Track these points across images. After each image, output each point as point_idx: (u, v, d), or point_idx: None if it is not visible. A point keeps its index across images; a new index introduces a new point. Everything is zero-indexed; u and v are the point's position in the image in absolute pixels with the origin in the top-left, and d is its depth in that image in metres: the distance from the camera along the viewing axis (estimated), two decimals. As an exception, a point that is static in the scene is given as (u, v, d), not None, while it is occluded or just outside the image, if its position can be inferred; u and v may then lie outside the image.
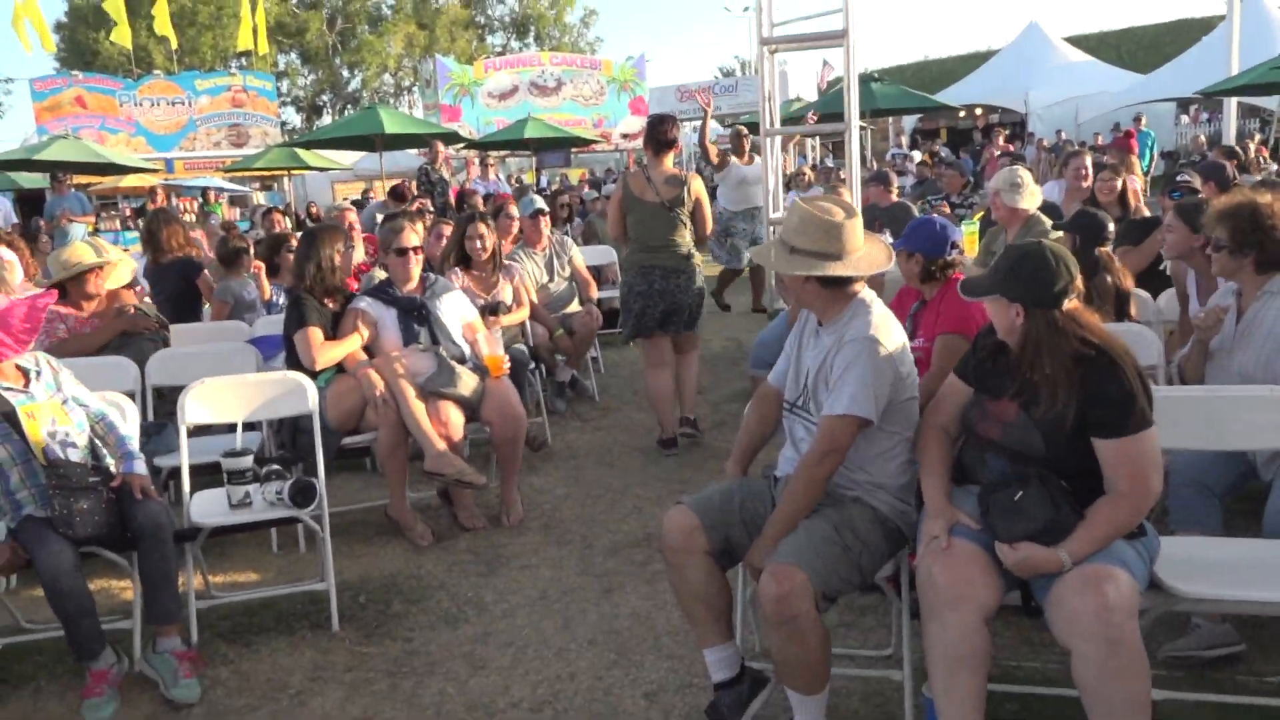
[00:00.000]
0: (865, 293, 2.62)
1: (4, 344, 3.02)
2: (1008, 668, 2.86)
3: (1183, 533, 2.88)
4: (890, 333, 2.55)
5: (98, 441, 3.27)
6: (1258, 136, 17.49)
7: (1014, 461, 2.37)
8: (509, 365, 4.49)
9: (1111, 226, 4.11)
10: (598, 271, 7.68)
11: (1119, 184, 5.82)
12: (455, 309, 4.56)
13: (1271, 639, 2.97)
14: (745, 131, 9.36)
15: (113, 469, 3.22)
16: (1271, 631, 3.00)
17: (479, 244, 5.52)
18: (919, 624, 2.66)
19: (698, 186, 5.26)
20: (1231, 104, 16.61)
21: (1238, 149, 10.17)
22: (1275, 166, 12.12)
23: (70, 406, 3.19)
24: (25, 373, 3.17)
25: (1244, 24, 16.39)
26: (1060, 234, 4.20)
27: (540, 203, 6.48)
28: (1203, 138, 18.66)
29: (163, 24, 25.09)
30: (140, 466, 3.25)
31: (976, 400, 2.51)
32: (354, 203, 13.07)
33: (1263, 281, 3.12)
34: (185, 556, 3.40)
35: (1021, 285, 2.34)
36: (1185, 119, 23.71)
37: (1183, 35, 30.97)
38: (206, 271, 6.02)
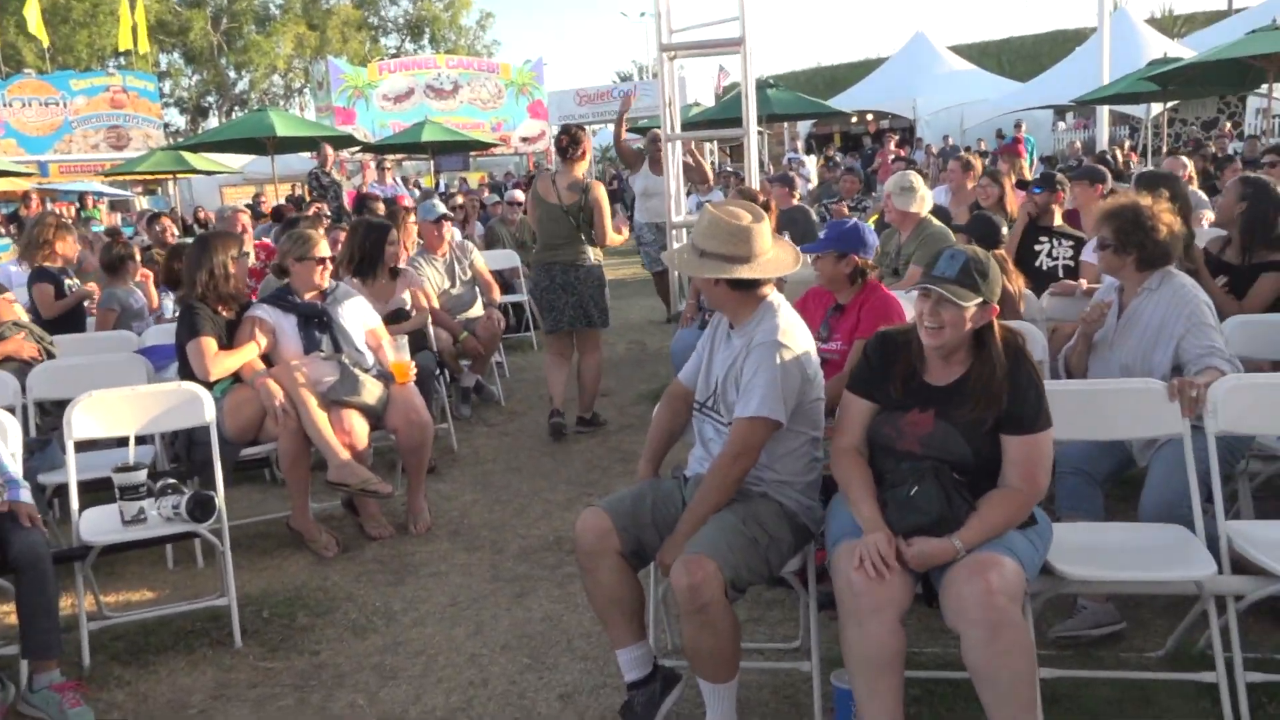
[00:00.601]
0: (773, 295, 2.69)
1: None
2: (910, 654, 2.95)
3: (1068, 518, 3.04)
4: (797, 336, 2.62)
5: None
6: (1127, 143, 18.46)
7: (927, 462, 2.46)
8: (415, 371, 4.44)
9: (1005, 230, 4.31)
10: (500, 276, 7.64)
11: (998, 190, 6.11)
12: (357, 316, 4.47)
13: (1150, 616, 3.16)
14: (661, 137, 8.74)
15: None
16: (1150, 609, 3.19)
17: (392, 249, 5.50)
18: (826, 616, 2.76)
19: (598, 194, 5.51)
20: (1104, 112, 17.53)
21: (1109, 157, 10.74)
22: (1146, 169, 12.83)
23: None
24: None
25: (1113, 36, 17.32)
26: (956, 236, 4.38)
27: (441, 208, 6.40)
28: (1078, 143, 19.61)
29: (36, 24, 23.89)
30: (25, 494, 3.08)
31: (887, 418, 2.55)
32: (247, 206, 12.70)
33: (1143, 279, 3.31)
34: (75, 576, 3.27)
35: (992, 290, 2.43)
36: (1062, 125, 24.88)
37: (1057, 46, 32.48)
38: (47, 285, 5.57)
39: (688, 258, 2.70)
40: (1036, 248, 4.96)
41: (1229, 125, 19.73)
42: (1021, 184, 5.84)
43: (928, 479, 2.38)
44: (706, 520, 2.53)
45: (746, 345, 2.61)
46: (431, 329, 5.71)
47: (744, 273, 2.59)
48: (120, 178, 22.01)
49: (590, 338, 5.65)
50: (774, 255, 2.66)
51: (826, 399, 2.73)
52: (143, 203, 24.39)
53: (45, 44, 27.41)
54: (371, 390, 4.18)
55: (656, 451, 2.97)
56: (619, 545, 2.61)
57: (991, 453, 2.44)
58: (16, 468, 3.15)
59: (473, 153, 24.24)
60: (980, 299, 2.40)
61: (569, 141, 5.54)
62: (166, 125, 32.99)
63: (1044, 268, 4.89)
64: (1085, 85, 16.97)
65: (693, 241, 2.70)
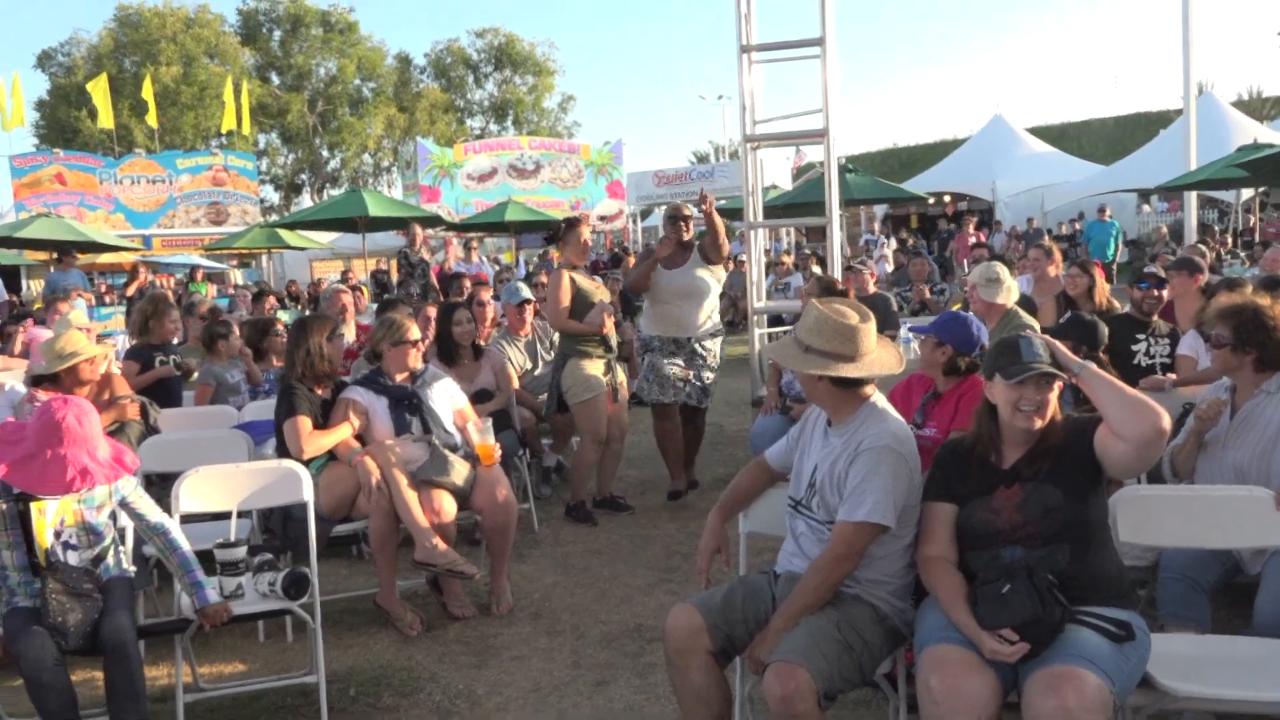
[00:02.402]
0: (876, 395, 2.72)
1: (40, 477, 3.03)
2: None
3: (1173, 626, 2.94)
4: (906, 439, 2.65)
5: (158, 553, 3.27)
6: (1217, 228, 18.08)
7: (1030, 542, 2.47)
8: (500, 453, 4.52)
9: (1106, 332, 4.26)
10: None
11: (1087, 280, 6.01)
12: (446, 397, 4.60)
13: (1260, 734, 3.01)
14: (688, 212, 5.79)
15: (102, 570, 3.18)
16: (1259, 726, 3.04)
17: (462, 330, 5.64)
18: (915, 718, 2.70)
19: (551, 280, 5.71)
20: (1192, 196, 17.22)
21: (1205, 249, 10.52)
22: (1241, 255, 12.55)
23: (95, 528, 3.16)
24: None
25: (1200, 120, 17.08)
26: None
27: (526, 292, 6.54)
28: (1164, 228, 19.26)
29: (150, 115, 25.54)
30: (214, 595, 3.24)
31: (980, 505, 2.58)
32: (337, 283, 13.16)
33: (1260, 380, 3.24)
34: (174, 647, 3.38)
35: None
36: (1146, 208, 24.50)
37: (1140, 129, 32.12)
38: (132, 363, 5.77)
39: (791, 352, 2.73)
40: (1134, 346, 4.89)
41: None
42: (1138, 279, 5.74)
43: (1020, 578, 2.36)
44: (800, 618, 2.53)
45: (852, 447, 2.62)
46: (515, 408, 5.81)
47: (849, 371, 2.63)
48: (218, 252, 23.05)
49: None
50: (878, 355, 2.69)
51: None
52: (238, 275, 25.46)
53: (155, 126, 29.11)
54: (460, 471, 4.27)
55: (729, 508, 3.05)
56: (709, 644, 2.61)
57: (1081, 497, 2.48)
58: (199, 569, 3.29)
59: (552, 230, 24.83)
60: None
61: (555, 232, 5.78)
62: (262, 201, 34.53)
63: (1141, 365, 4.80)
64: (1170, 169, 16.74)
65: (796, 335, 2.74)
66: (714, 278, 5.75)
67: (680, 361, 5.69)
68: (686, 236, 5.76)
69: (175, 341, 6.87)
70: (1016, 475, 2.55)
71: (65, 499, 3.11)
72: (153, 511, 3.31)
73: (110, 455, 3.17)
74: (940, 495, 2.64)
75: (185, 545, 3.30)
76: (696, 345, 5.74)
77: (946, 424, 3.48)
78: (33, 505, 3.04)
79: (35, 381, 4.72)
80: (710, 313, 5.80)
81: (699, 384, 5.77)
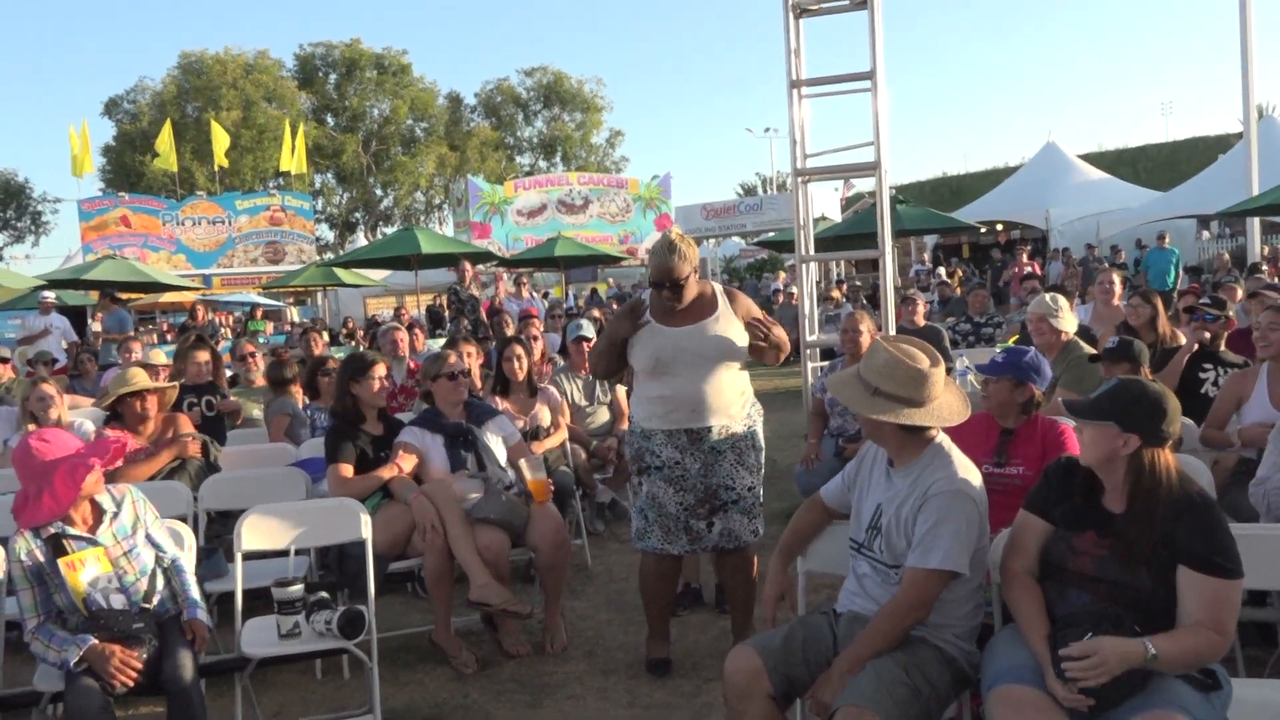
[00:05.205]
0: (941, 436, 2.67)
1: (48, 504, 3.06)
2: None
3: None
4: (974, 481, 2.59)
5: (160, 583, 3.28)
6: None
7: (1098, 597, 2.36)
8: (553, 489, 4.52)
9: (1146, 351, 4.18)
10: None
11: (1149, 310, 5.89)
12: (500, 434, 4.62)
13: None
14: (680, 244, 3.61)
15: (157, 607, 3.22)
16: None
17: (515, 365, 5.66)
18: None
19: None
20: (1254, 222, 16.83)
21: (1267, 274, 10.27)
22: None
23: (135, 555, 3.21)
24: (100, 513, 3.20)
25: (1261, 143, 16.72)
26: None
27: (587, 329, 6.54)
28: (1226, 254, 18.80)
29: (219, 155, 26.55)
30: (202, 614, 3.27)
31: (1061, 536, 2.49)
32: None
33: None
34: (235, 686, 3.41)
35: (1139, 419, 2.37)
36: (1206, 235, 23.98)
37: (1198, 153, 31.61)
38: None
39: (858, 394, 2.67)
40: (1201, 375, 4.77)
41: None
42: (1190, 309, 5.64)
43: (1105, 627, 2.27)
44: (866, 660, 2.48)
45: (919, 491, 2.57)
46: (569, 445, 5.82)
47: (918, 419, 2.59)
48: (276, 290, 23.56)
49: None
50: (946, 401, 2.64)
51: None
52: (294, 313, 25.99)
53: (225, 165, 30.11)
54: (514, 508, 4.28)
55: (789, 551, 3.00)
56: (769, 687, 2.57)
57: (1169, 590, 2.31)
58: (198, 591, 3.35)
59: (600, 265, 25.00)
60: (1097, 419, 2.39)
61: None
62: (318, 240, 35.29)
63: (1209, 395, 4.68)
64: (1230, 194, 16.40)
65: (861, 374, 2.68)
66: (740, 332, 3.70)
67: (695, 473, 3.67)
68: (685, 275, 3.59)
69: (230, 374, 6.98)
70: (1114, 527, 2.40)
71: (96, 549, 3.13)
72: (171, 548, 3.39)
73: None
74: (1037, 509, 2.56)
75: (189, 576, 3.37)
76: (717, 438, 3.68)
77: (1036, 462, 3.32)
78: (59, 561, 3.05)
79: (106, 423, 4.85)
80: (739, 385, 3.78)
81: (732, 500, 3.70)
